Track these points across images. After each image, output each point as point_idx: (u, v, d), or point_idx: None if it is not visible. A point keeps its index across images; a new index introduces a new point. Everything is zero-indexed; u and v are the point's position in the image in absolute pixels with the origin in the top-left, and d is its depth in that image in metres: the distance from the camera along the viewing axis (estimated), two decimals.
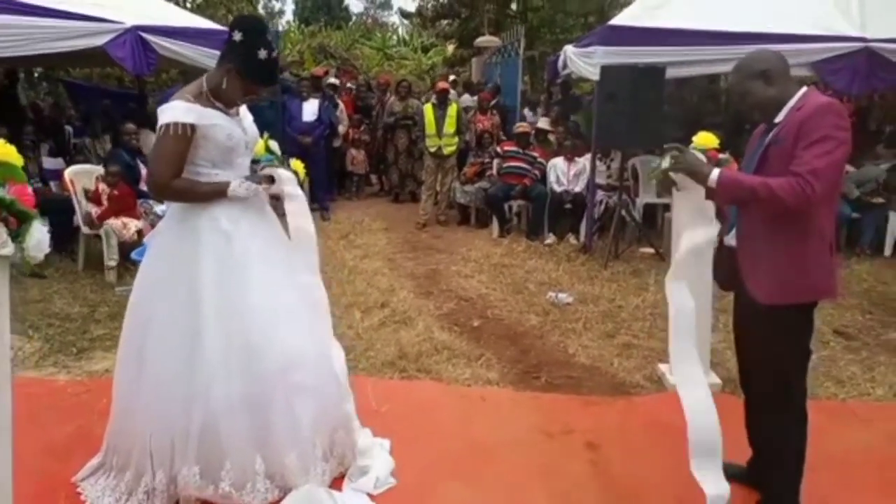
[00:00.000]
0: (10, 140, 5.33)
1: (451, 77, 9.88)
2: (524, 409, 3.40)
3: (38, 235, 1.65)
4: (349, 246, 6.77)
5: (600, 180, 7.12)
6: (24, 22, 5.29)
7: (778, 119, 2.31)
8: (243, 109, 2.59)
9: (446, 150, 7.71)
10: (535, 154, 7.51)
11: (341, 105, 9.15)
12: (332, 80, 9.61)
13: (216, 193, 2.41)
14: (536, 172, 7.38)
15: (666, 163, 2.42)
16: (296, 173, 3.20)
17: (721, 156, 3.47)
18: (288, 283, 2.57)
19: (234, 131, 2.44)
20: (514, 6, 13.20)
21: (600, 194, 7.10)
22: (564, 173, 7.30)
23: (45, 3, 5.42)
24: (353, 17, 37.16)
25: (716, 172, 2.23)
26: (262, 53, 2.33)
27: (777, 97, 2.30)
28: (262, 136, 3.41)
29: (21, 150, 5.25)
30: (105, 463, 2.56)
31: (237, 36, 2.34)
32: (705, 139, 3.53)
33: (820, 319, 4.66)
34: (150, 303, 2.41)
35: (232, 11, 11.73)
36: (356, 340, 4.18)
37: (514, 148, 7.51)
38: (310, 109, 7.98)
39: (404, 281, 5.62)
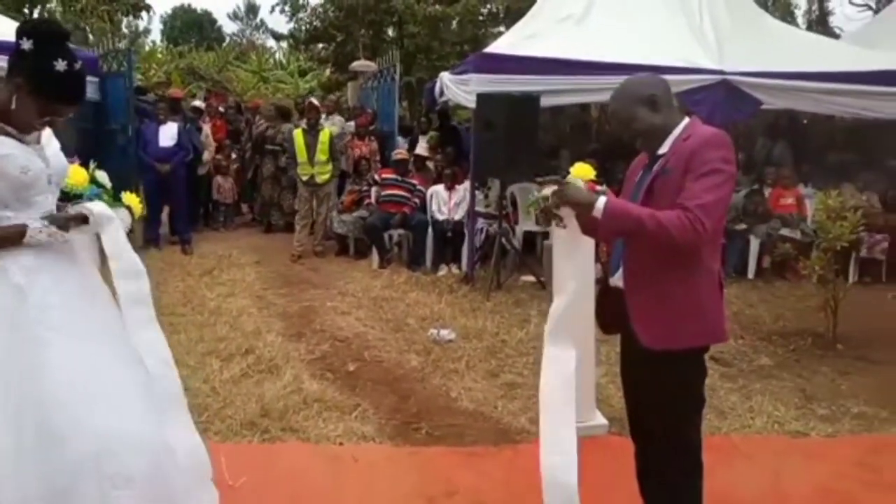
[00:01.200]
0: None
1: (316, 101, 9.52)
2: (402, 469, 3.07)
3: None
4: (213, 283, 6.17)
5: (480, 208, 6.99)
6: None
7: (662, 150, 2.16)
8: (47, 135, 2.11)
9: (319, 179, 7.29)
10: (415, 182, 7.29)
11: (206, 129, 8.52)
12: (197, 102, 8.95)
13: (5, 240, 1.92)
14: (416, 200, 7.15)
15: (546, 193, 2.20)
16: (129, 209, 2.73)
17: (598, 188, 3.36)
18: (108, 348, 2.09)
19: (33, 163, 1.96)
20: (390, 31, 13.09)
21: (481, 222, 6.96)
22: (445, 202, 7.11)
23: None
24: (227, 39, 35.98)
25: (602, 201, 2.02)
26: (61, 65, 1.89)
27: (662, 125, 2.15)
28: (91, 164, 2.89)
29: None
30: None
31: (26, 45, 1.89)
32: (582, 170, 3.38)
33: None
34: None
35: (79, 28, 10.72)
36: (211, 397, 3.68)
37: (392, 175, 7.24)
38: (168, 133, 7.31)
39: (273, 321, 5.14)
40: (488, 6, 13.45)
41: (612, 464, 2.18)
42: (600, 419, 3.46)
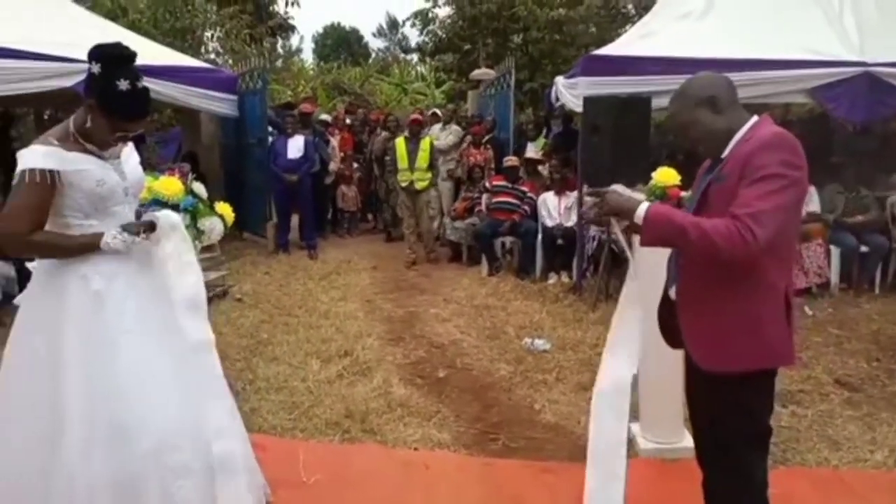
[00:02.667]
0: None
1: (433, 111, 9.68)
2: (471, 479, 3.05)
3: None
4: (329, 287, 6.49)
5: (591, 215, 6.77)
6: None
7: (724, 153, 1.99)
8: (128, 151, 2.33)
9: (418, 185, 7.43)
10: (525, 189, 7.22)
11: (333, 142, 8.98)
12: (325, 116, 9.46)
13: (86, 247, 2.14)
14: (526, 208, 7.08)
15: (589, 202, 2.11)
16: (222, 218, 2.95)
17: (683, 194, 3.16)
18: (174, 351, 2.27)
19: (108, 177, 2.17)
20: (515, 38, 13.07)
21: (593, 230, 6.75)
22: (555, 207, 6.98)
23: (18, 46, 5.33)
24: (373, 54, 37.58)
25: (643, 207, 1.90)
26: (124, 84, 2.07)
27: (726, 128, 1.99)
28: (190, 177, 3.18)
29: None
30: None
31: (95, 68, 2.09)
32: (666, 175, 3.24)
33: (821, 367, 4.28)
34: (10, 378, 2.14)
35: (235, 52, 11.69)
36: (305, 396, 3.88)
37: (502, 182, 7.22)
38: (296, 146, 7.80)
39: (376, 325, 5.31)
40: (616, 7, 13.02)
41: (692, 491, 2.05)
42: (687, 441, 3.23)
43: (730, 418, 1.95)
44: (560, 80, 7.04)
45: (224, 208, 3.04)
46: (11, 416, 2.12)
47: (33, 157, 2.06)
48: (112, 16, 9.20)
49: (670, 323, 2.14)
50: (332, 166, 8.80)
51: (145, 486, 2.10)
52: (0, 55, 5.22)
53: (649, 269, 2.46)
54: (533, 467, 3.15)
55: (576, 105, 6.08)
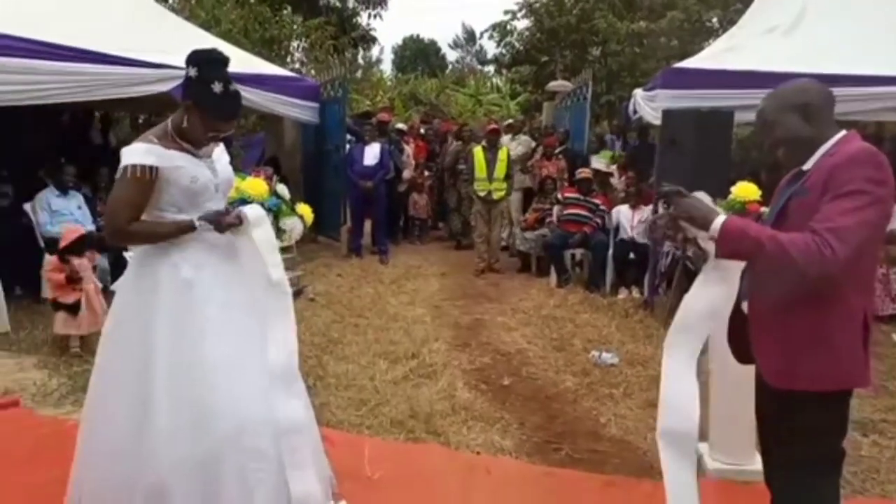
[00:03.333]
0: (83, 178, 5.55)
1: (508, 121, 9.71)
2: (532, 487, 3.05)
3: None
4: (398, 291, 6.62)
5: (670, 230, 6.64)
6: (95, 70, 5.57)
7: (807, 165, 1.94)
8: (219, 151, 2.48)
9: (496, 195, 7.48)
10: (598, 201, 7.16)
11: (408, 150, 9.16)
12: (400, 125, 9.65)
13: (181, 230, 2.28)
14: (598, 220, 7.02)
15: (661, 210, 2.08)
16: (301, 218, 3.08)
17: (763, 209, 3.08)
18: (255, 339, 2.39)
19: (201, 174, 2.32)
20: (594, 51, 12.98)
21: (667, 245, 6.61)
22: (629, 221, 6.89)
23: (121, 53, 5.71)
24: (449, 66, 38.01)
25: (719, 220, 1.87)
26: (218, 86, 2.21)
27: (812, 137, 1.93)
28: (274, 179, 3.32)
29: (95, 189, 5.48)
30: None
31: (192, 71, 2.24)
32: (746, 190, 3.18)
33: None
34: (106, 356, 2.31)
35: (318, 62, 12.12)
36: (372, 394, 3.98)
37: (575, 194, 7.18)
38: (371, 153, 8.01)
39: (443, 331, 5.39)
40: (699, 20, 12.72)
41: None
42: (758, 463, 3.13)
43: (800, 439, 1.89)
44: (639, 92, 6.98)
45: (304, 209, 3.18)
46: (108, 391, 2.29)
47: (135, 153, 2.23)
48: (206, 26, 9.71)
49: (741, 337, 2.10)
50: (406, 174, 8.97)
51: (224, 468, 2.21)
52: (104, 61, 5.60)
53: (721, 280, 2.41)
54: (596, 480, 3.12)
55: (654, 118, 6.01)
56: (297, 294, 6.26)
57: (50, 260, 4.79)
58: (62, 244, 4.69)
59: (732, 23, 8.36)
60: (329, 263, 7.66)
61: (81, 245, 4.76)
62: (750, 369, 2.20)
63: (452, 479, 3.09)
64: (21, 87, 5.11)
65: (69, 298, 4.57)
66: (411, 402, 3.84)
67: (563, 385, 4.29)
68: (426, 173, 9.36)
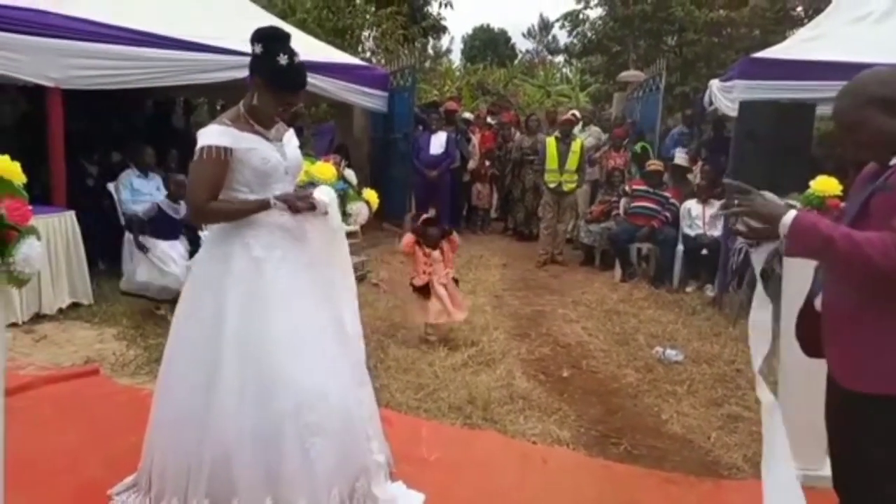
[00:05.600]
0: (158, 161, 5.82)
1: (572, 112, 9.53)
2: (589, 479, 3.02)
3: (27, 251, 1.67)
4: (459, 280, 6.61)
5: (740, 226, 6.41)
6: (176, 56, 5.80)
7: (894, 161, 1.83)
8: (289, 135, 2.54)
9: (566, 187, 7.38)
10: (668, 194, 6.97)
11: (474, 139, 9.15)
12: (467, 114, 9.64)
13: (257, 208, 2.36)
14: (667, 214, 6.83)
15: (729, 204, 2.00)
16: (367, 203, 3.15)
17: (843, 205, 2.93)
18: (321, 318, 2.46)
19: (272, 155, 2.39)
20: (669, 40, 12.59)
21: (740, 242, 6.37)
22: (700, 216, 6.68)
23: (203, 41, 5.93)
24: (519, 56, 37.63)
25: (790, 215, 1.78)
26: (283, 59, 2.28)
27: None
28: (343, 164, 3.36)
29: (168, 170, 5.73)
30: (137, 483, 2.58)
31: (257, 48, 2.31)
32: (825, 184, 3.02)
33: None
34: (179, 329, 2.42)
35: (388, 51, 12.22)
36: (431, 379, 4.01)
37: (643, 187, 7.02)
38: (438, 142, 8.04)
39: (503, 320, 5.38)
40: (783, 9, 12.16)
41: None
42: (828, 468, 3.00)
43: (872, 444, 1.80)
44: (715, 83, 6.76)
45: (370, 195, 3.24)
46: (179, 363, 2.39)
47: (210, 135, 2.31)
48: (283, 15, 9.94)
49: (810, 331, 2.01)
50: (472, 164, 8.97)
51: (285, 441, 2.28)
52: (185, 48, 5.83)
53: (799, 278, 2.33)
54: (655, 476, 3.06)
55: (730, 109, 5.81)
56: (360, 279, 6.37)
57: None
58: None
59: (819, 12, 7.95)
60: (393, 250, 7.73)
61: None
62: (819, 372, 2.11)
63: (508, 466, 3.09)
64: (108, 71, 5.39)
65: None
66: (469, 389, 3.86)
67: (625, 380, 4.22)
68: (487, 163, 9.31)
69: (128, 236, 5.85)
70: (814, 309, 1.99)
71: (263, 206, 2.35)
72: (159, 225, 5.02)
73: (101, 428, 3.21)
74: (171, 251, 4.97)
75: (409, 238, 4.84)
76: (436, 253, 4.79)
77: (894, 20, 5.80)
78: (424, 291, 4.69)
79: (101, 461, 2.90)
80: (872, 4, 6.07)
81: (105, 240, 5.80)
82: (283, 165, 2.43)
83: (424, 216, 5.20)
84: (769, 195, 1.93)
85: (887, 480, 1.80)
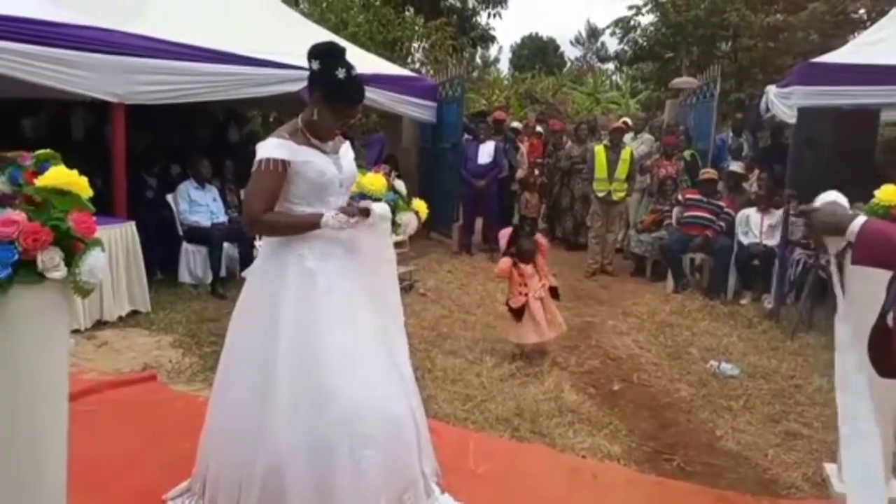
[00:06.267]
0: (215, 173, 5.97)
1: (623, 119, 9.39)
2: (640, 496, 2.96)
3: (92, 262, 1.74)
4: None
5: (799, 236, 6.21)
6: (232, 70, 5.96)
7: None
8: (345, 148, 2.58)
9: (615, 196, 7.28)
10: (722, 204, 6.79)
11: (522, 148, 9.11)
12: (515, 123, 9.62)
13: (309, 225, 2.38)
14: (721, 224, 6.66)
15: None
16: (416, 213, 3.17)
17: None
18: (371, 329, 2.48)
19: (328, 169, 2.43)
20: (723, 46, 12.31)
21: (798, 252, 6.18)
22: (757, 225, 6.49)
23: (252, 54, 6.09)
24: (568, 64, 37.38)
25: (857, 222, 1.72)
26: (341, 73, 2.30)
27: None
28: (393, 174, 3.44)
29: (223, 182, 5.88)
30: (191, 488, 2.64)
31: (315, 65, 2.35)
32: (891, 194, 2.90)
33: None
34: (234, 339, 2.47)
35: (437, 62, 12.32)
36: (478, 390, 4.00)
37: (697, 196, 6.86)
38: (485, 152, 8.04)
39: None
40: (843, 12, 11.72)
41: None
42: (894, 490, 2.86)
43: None
44: (772, 88, 6.58)
45: (420, 205, 3.26)
46: (234, 372, 2.44)
47: (268, 148, 2.36)
48: (335, 29, 10.14)
49: (884, 351, 1.92)
50: (520, 173, 8.93)
51: (337, 453, 2.29)
52: (243, 63, 5.99)
53: (864, 296, 2.24)
54: (710, 494, 2.97)
55: (789, 116, 5.66)
56: (408, 288, 6.41)
57: None
58: None
59: (882, 14, 7.65)
60: (440, 260, 7.78)
61: None
62: (886, 387, 2.02)
63: (557, 480, 3.05)
64: (168, 87, 5.57)
65: None
66: (517, 401, 3.83)
67: (678, 394, 4.12)
68: (536, 172, 9.25)
69: (185, 246, 6.06)
70: (888, 325, 1.91)
71: (314, 225, 2.37)
72: None
73: (158, 433, 3.30)
74: None
75: (505, 262, 4.59)
76: (528, 268, 4.56)
77: None
78: (518, 313, 4.49)
79: (158, 466, 2.97)
80: None
81: (163, 250, 5.99)
82: (338, 178, 2.46)
83: (512, 228, 4.89)
84: (835, 195, 1.87)
85: None
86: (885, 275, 1.95)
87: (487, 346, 4.80)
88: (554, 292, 4.63)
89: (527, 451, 3.31)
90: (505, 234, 4.79)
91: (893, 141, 6.71)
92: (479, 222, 8.59)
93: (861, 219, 1.72)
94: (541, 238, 4.78)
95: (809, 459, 3.27)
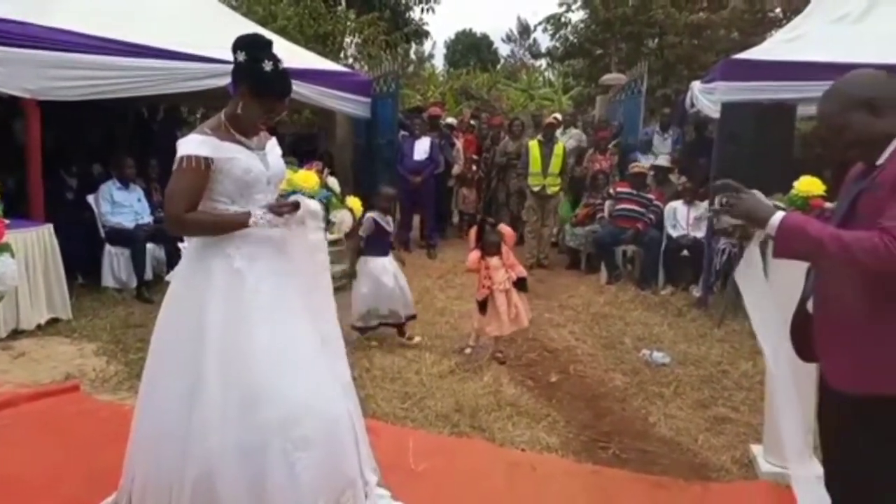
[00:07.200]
0: (139, 172, 5.73)
1: (554, 115, 9.55)
2: (578, 485, 3.00)
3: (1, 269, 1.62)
4: (446, 286, 6.62)
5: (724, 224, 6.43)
6: (155, 65, 5.72)
7: (880, 160, 1.83)
8: (271, 143, 2.50)
9: (550, 190, 7.39)
10: (651, 196, 6.99)
11: (458, 144, 9.13)
12: (450, 119, 9.63)
13: (237, 224, 2.30)
14: (651, 216, 6.85)
15: (715, 207, 2.00)
16: (351, 211, 3.11)
17: (827, 205, 2.94)
18: (304, 329, 2.42)
19: (254, 165, 2.35)
20: (650, 43, 12.67)
21: (723, 242, 6.41)
22: (684, 217, 6.71)
23: (173, 48, 5.86)
24: (502, 60, 37.66)
25: (777, 217, 1.78)
26: (268, 65, 2.23)
27: (885, 132, 1.81)
28: (325, 171, 3.37)
29: (148, 182, 5.64)
30: (117, 502, 2.52)
31: (240, 57, 2.26)
32: (809, 185, 3.04)
33: None
34: (159, 343, 2.37)
35: (371, 57, 12.20)
36: (417, 388, 3.98)
37: (627, 189, 7.04)
38: (421, 148, 8.02)
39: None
40: (762, 10, 12.25)
41: None
42: (816, 468, 3.00)
43: (863, 446, 1.80)
44: (697, 84, 6.78)
45: (354, 202, 3.21)
46: (161, 377, 2.34)
47: (190, 145, 2.27)
48: (263, 21, 9.89)
49: (804, 336, 2.01)
50: (456, 169, 8.95)
51: (270, 456, 2.23)
52: (165, 57, 5.76)
53: (786, 281, 2.33)
54: (645, 481, 3.05)
55: (712, 111, 5.84)
56: (345, 288, 6.31)
57: None
58: None
59: (797, 13, 8.02)
60: None
61: None
62: (807, 369, 2.11)
63: (496, 474, 3.06)
64: (85, 82, 5.30)
65: None
66: (457, 397, 3.83)
67: (612, 383, 4.21)
68: (474, 168, 9.30)
69: (108, 249, 5.79)
70: (808, 312, 1.99)
71: (242, 224, 2.29)
72: (375, 242, 4.81)
73: (82, 445, 3.15)
74: (389, 267, 4.81)
75: (474, 255, 4.55)
76: (494, 260, 4.52)
77: (872, 19, 5.85)
78: (482, 305, 4.49)
79: (82, 479, 2.83)
80: (851, 4, 6.12)
81: (85, 253, 5.72)
82: (265, 175, 2.39)
83: (478, 221, 4.88)
84: (758, 194, 1.93)
85: (882, 486, 1.80)
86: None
87: (427, 344, 4.79)
88: (522, 283, 4.60)
89: (466, 446, 3.31)
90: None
91: (810, 135, 7.04)
92: (416, 219, 8.56)
93: (780, 214, 1.78)
94: (505, 228, 4.76)
95: (737, 442, 3.40)
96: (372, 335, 4.84)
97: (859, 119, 1.82)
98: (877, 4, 5.92)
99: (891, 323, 1.75)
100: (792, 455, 2.26)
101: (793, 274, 2.24)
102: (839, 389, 1.83)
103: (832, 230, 1.73)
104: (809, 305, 2.01)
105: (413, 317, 4.88)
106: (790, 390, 2.17)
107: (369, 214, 4.68)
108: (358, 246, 4.82)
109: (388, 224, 4.86)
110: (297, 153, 8.49)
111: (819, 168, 6.29)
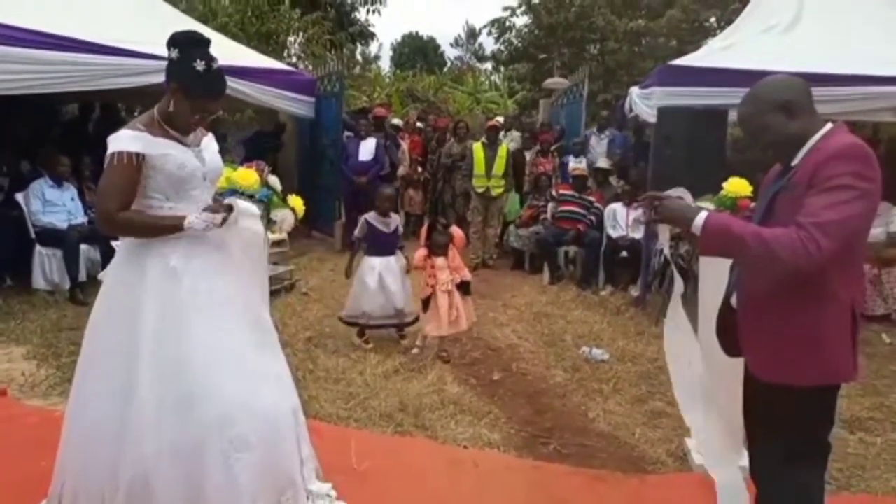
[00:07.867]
0: (73, 170, 5.49)
1: (496, 118, 9.69)
2: (519, 481, 3.05)
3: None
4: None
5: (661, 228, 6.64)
6: (90, 60, 5.53)
7: (795, 161, 1.94)
8: (207, 139, 2.46)
9: (494, 192, 7.48)
10: (592, 198, 7.15)
11: (404, 146, 9.13)
12: (396, 120, 9.62)
13: (170, 227, 2.26)
14: (592, 218, 7.01)
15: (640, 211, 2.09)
16: (293, 210, 3.08)
17: (753, 204, 3.08)
18: (242, 329, 2.39)
19: (188, 161, 2.30)
20: (592, 49, 12.97)
21: (660, 243, 6.60)
22: (623, 218, 6.89)
23: (110, 43, 5.68)
24: (448, 64, 37.78)
25: (701, 217, 1.87)
26: (200, 65, 2.19)
27: (798, 134, 1.93)
28: (266, 169, 3.31)
29: (80, 179, 5.41)
30: None
31: (173, 54, 2.22)
32: (737, 186, 3.17)
33: (895, 396, 4.07)
34: (92, 344, 2.30)
35: (315, 57, 12.07)
36: (362, 388, 3.97)
37: (569, 192, 7.18)
38: (367, 148, 7.99)
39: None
40: (698, 20, 12.70)
41: None
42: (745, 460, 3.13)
43: (787, 432, 1.90)
44: (635, 90, 6.98)
45: (296, 201, 3.16)
46: (93, 379, 2.27)
47: (121, 141, 2.21)
48: (203, 19, 9.68)
49: (729, 331, 2.10)
50: (402, 170, 8.95)
51: (207, 456, 2.20)
52: (99, 52, 5.57)
53: (713, 276, 2.44)
54: (584, 475, 3.12)
55: (650, 115, 6.01)
56: (289, 288, 6.24)
57: None
58: None
59: (731, 22, 8.36)
60: (323, 258, 7.65)
61: None
62: (737, 367, 2.21)
63: (438, 471, 3.08)
64: (17, 76, 5.08)
65: None
66: (401, 396, 3.84)
67: (553, 380, 4.29)
68: (420, 169, 9.32)
69: (39, 249, 5.56)
70: (731, 307, 2.08)
71: (177, 227, 2.25)
72: (373, 242, 4.78)
73: (9, 453, 3.03)
74: (393, 267, 4.77)
75: (420, 253, 4.60)
76: (440, 260, 4.55)
77: (799, 30, 6.15)
78: (424, 303, 4.53)
79: (9, 488, 2.74)
80: (779, 16, 6.42)
81: (14, 254, 5.48)
82: (200, 171, 2.35)
83: (429, 222, 4.94)
84: (682, 191, 2.01)
85: (800, 468, 1.90)
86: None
87: (371, 344, 4.77)
88: (465, 287, 4.62)
89: (408, 445, 3.32)
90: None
91: (740, 139, 7.31)
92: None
93: (703, 214, 1.87)
94: (457, 231, 4.79)
95: (672, 436, 3.51)
96: (372, 335, 4.85)
97: (776, 121, 1.93)
98: (802, 17, 6.24)
99: (802, 317, 1.85)
100: (712, 457, 2.35)
101: (720, 270, 2.34)
102: (760, 378, 1.93)
103: (753, 228, 1.83)
104: (734, 300, 2.11)
105: (409, 323, 4.85)
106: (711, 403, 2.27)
107: (364, 216, 4.80)
108: (354, 246, 4.92)
109: (387, 225, 4.83)
110: (260, 149, 8.37)
111: (752, 170, 6.58)
